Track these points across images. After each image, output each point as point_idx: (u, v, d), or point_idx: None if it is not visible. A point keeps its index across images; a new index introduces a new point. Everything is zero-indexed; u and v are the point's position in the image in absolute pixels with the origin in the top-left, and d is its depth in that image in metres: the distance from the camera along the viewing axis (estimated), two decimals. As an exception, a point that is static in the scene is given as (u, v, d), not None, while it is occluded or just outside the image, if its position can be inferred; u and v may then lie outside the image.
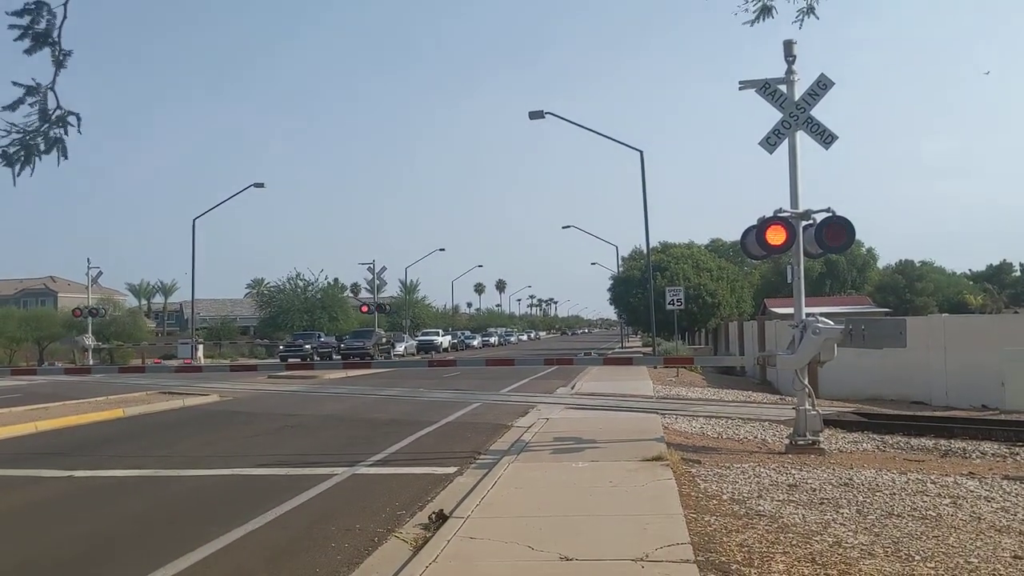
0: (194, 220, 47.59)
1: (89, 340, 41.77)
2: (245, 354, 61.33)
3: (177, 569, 6.47)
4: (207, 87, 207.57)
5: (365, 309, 52.78)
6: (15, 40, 3.97)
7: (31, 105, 4.11)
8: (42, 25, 3.97)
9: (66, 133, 4.23)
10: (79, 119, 4.24)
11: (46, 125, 4.12)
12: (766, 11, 8.09)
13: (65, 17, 4.01)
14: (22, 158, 4.15)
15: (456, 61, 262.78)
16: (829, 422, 13.61)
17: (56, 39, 4.02)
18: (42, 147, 4.18)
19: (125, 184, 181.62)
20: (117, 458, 12.32)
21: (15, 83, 4.08)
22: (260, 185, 46.60)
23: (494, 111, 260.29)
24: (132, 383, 27.71)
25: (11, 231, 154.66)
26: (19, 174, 4.16)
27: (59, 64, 4.06)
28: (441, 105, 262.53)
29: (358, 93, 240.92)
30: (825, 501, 8.10)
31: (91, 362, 41.87)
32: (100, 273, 45.64)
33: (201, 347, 51.48)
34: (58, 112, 4.16)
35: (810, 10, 8.04)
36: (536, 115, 32.98)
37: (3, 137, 4.14)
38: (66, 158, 4.23)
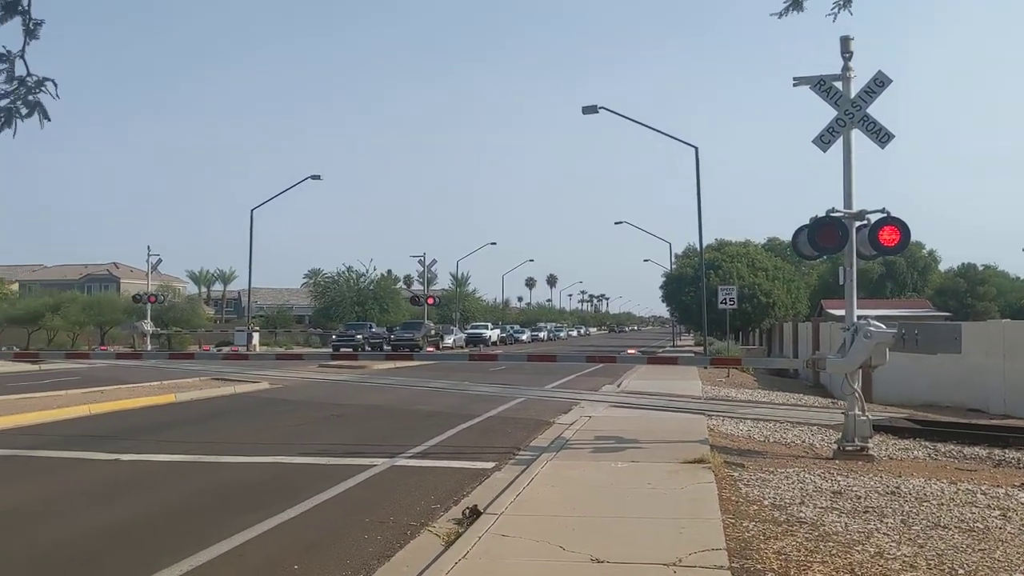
0: (252, 210, 48.31)
1: (148, 326, 42.62)
2: (300, 343, 62.15)
3: (210, 556, 6.52)
4: (268, 78, 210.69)
5: (415, 301, 53.07)
6: None
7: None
8: None
9: (55, 96, 4.35)
10: (55, 85, 4.33)
11: (24, 89, 4.22)
12: (796, 4, 7.84)
13: None
14: (2, 119, 4.28)
15: (509, 57, 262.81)
16: (880, 428, 13.29)
17: (26, 7, 4.08)
18: (23, 111, 4.28)
19: (190, 172, 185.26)
20: (164, 443, 12.52)
21: None
22: (317, 177, 47.23)
23: (547, 106, 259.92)
24: (187, 369, 28.23)
25: (77, 217, 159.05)
26: (13, 133, 4.29)
27: (29, 33, 4.13)
28: (496, 99, 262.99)
29: (411, 86, 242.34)
30: (870, 509, 7.88)
31: (149, 347, 42.77)
32: (160, 260, 46.50)
33: (257, 335, 52.33)
34: (34, 79, 4.24)
35: (846, 3, 7.75)
36: (589, 110, 32.73)
37: None
38: (48, 119, 4.36)
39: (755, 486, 8.96)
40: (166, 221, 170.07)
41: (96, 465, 10.71)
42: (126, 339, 48.76)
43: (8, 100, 4.20)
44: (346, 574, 6.20)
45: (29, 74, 4.22)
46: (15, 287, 78.03)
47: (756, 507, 7.94)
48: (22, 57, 4.19)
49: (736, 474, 9.61)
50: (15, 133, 4.26)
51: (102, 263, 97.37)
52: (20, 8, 4.06)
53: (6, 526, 7.65)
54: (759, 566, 5.95)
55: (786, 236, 75.94)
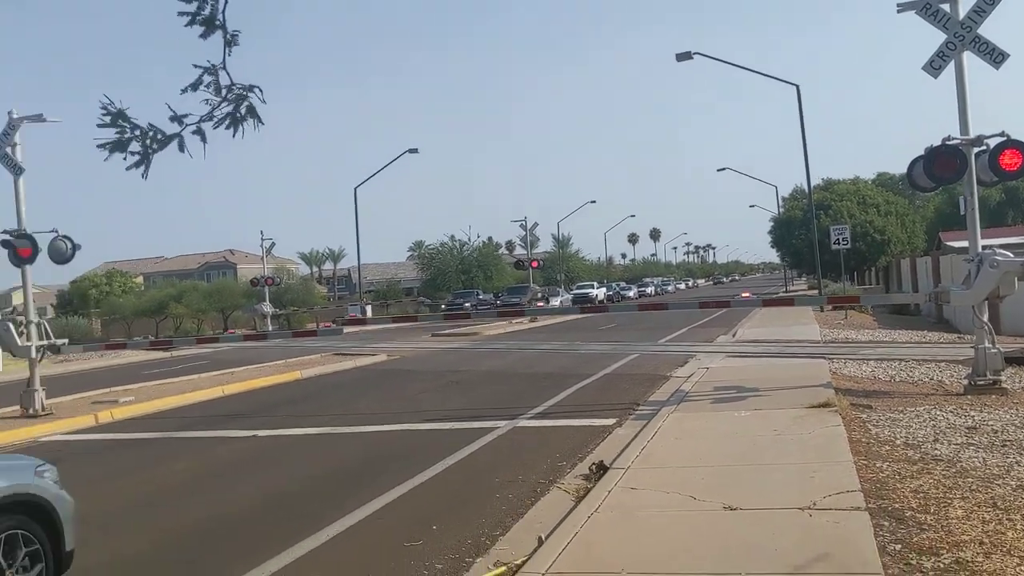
0: (355, 188, 49.40)
1: (267, 307, 44.07)
2: (411, 313, 63.45)
3: (353, 520, 6.83)
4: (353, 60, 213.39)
5: (519, 266, 53.30)
6: (185, 27, 4.26)
7: (206, 86, 4.40)
8: (207, 11, 4.22)
9: (262, 101, 4.57)
10: (261, 91, 4.53)
11: (239, 94, 4.43)
12: None
13: (227, 1, 4.27)
14: (228, 125, 4.51)
15: (596, 6, 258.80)
16: (1012, 360, 12.77)
17: (222, 21, 4.27)
18: (243, 113, 4.51)
19: (298, 156, 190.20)
20: (296, 418, 13.06)
21: (195, 65, 4.39)
22: (414, 151, 47.94)
23: (638, 55, 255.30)
24: (309, 346, 29.21)
25: (193, 209, 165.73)
26: (235, 134, 4.53)
27: (228, 44, 4.31)
28: (583, 53, 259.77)
29: (499, 50, 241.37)
30: (1008, 443, 7.64)
31: (270, 328, 44.35)
32: (273, 244, 47.88)
33: (370, 308, 53.80)
34: (239, 87, 4.45)
35: None
36: (684, 56, 32.01)
37: (210, 110, 4.48)
38: (262, 123, 4.58)
39: (885, 426, 8.79)
40: (276, 206, 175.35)
41: (237, 442, 11.28)
42: (247, 322, 50.62)
43: (230, 107, 4.43)
44: (483, 531, 6.40)
45: (233, 83, 4.44)
46: (139, 280, 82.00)
47: (888, 447, 7.80)
48: (224, 68, 4.41)
49: (864, 416, 9.43)
50: (244, 134, 4.53)
51: (218, 251, 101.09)
52: (216, 22, 4.27)
53: (164, 501, 8.18)
54: (897, 506, 5.87)
55: (897, 170, 73.06)
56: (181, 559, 6.28)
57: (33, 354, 14.58)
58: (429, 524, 6.65)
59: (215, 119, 4.45)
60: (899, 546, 5.05)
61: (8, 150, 14.11)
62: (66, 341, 15.99)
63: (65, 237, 14.36)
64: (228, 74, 4.41)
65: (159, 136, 4.44)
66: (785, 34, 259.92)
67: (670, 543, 5.44)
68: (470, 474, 8.35)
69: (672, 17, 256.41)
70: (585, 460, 8.48)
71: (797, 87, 33.85)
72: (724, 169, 57.83)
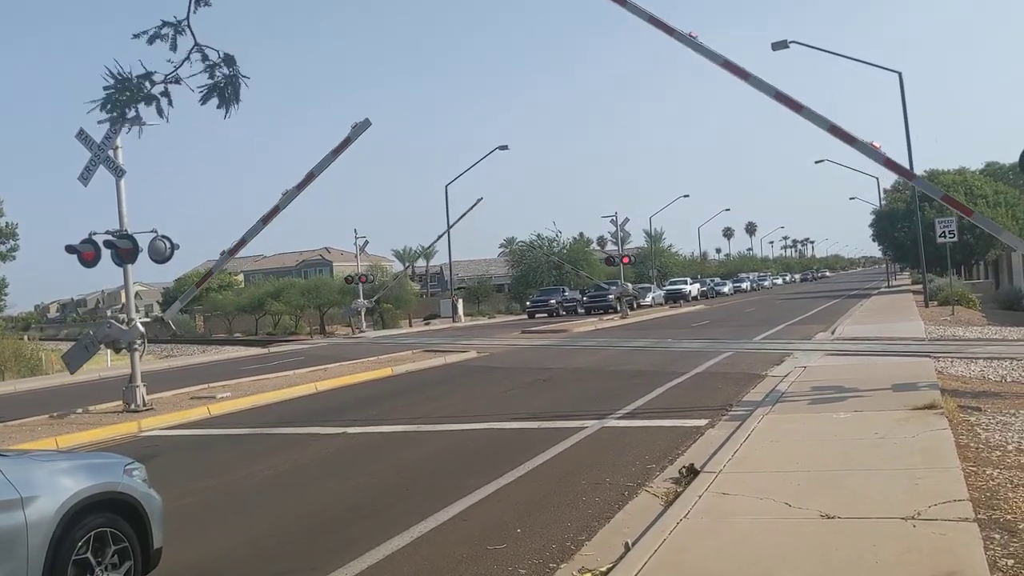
0: (446, 186, 49.84)
1: (362, 302, 44.76)
2: (501, 310, 63.74)
3: (436, 522, 6.77)
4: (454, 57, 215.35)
5: (610, 262, 52.83)
6: None
7: (163, 40, 4.07)
8: None
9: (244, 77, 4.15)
10: (236, 65, 4.18)
11: (213, 64, 4.07)
12: None
13: None
14: (211, 97, 4.18)
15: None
16: None
17: None
18: (228, 90, 4.15)
19: (392, 155, 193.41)
20: (385, 415, 13.15)
21: (164, 21, 4.00)
22: (504, 148, 48.19)
23: (732, 46, 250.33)
24: (400, 342, 29.63)
25: (290, 208, 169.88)
26: (226, 115, 4.18)
27: (197, 1, 4.03)
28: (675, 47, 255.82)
29: (589, 48, 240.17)
30: None
31: (364, 325, 45.12)
32: (367, 242, 48.64)
33: (461, 304, 54.35)
34: (217, 56, 4.09)
35: None
36: (779, 45, 31.11)
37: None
38: (238, 103, 4.22)
39: (996, 430, 8.31)
40: (370, 204, 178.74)
41: (327, 439, 11.40)
42: (342, 319, 51.54)
43: (208, 78, 4.11)
44: (568, 536, 6.25)
45: (197, 43, 4.06)
46: (240, 278, 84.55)
47: (999, 453, 7.36)
48: (188, 25, 4.08)
49: (973, 419, 8.94)
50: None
51: (314, 249, 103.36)
52: None
53: (256, 498, 8.30)
54: (1009, 516, 5.51)
55: (1007, 159, 69.64)
56: (272, 556, 6.32)
57: (140, 336, 14.92)
58: (514, 527, 6.55)
59: (197, 89, 4.12)
60: (1011, 561, 4.72)
61: (110, 153, 14.59)
62: (173, 309, 16.51)
63: (164, 237, 14.79)
64: (192, 32, 4.09)
65: (144, 90, 4.13)
66: (885, 15, 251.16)
67: (763, 552, 5.20)
68: (556, 476, 8.21)
69: (763, 8, 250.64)
70: (675, 462, 8.26)
71: (900, 74, 32.65)
72: (822, 161, 56.24)
